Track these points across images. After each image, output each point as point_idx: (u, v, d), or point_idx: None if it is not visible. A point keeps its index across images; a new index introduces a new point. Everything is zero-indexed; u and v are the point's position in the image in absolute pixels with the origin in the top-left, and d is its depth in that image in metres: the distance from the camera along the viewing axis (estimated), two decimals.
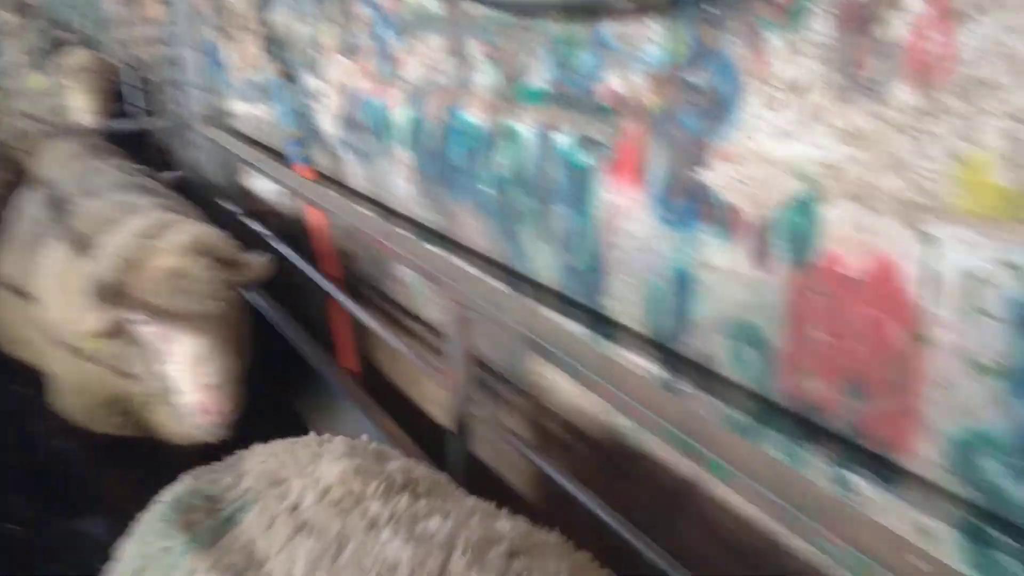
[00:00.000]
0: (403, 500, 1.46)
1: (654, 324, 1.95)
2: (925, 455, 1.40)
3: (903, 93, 1.34)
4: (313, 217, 3.34)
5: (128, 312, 2.24)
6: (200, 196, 4.26)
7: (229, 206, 4.09)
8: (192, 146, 4.36)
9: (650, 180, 1.87)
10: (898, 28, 1.34)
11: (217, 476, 1.66)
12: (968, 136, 1.26)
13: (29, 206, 3.15)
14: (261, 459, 1.68)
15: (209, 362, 2.24)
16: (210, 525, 1.50)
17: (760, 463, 1.28)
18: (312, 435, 1.77)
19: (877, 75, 1.37)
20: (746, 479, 1.21)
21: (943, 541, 1.39)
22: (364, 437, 1.81)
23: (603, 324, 2.11)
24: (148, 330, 2.26)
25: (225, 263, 2.38)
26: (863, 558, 1.02)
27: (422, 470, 1.65)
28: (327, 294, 3.23)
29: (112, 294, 2.23)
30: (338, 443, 1.71)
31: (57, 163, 3.51)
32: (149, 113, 4.70)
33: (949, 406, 1.35)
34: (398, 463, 1.63)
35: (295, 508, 1.47)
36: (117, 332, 2.28)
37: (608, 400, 1.53)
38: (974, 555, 1.35)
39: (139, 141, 4.62)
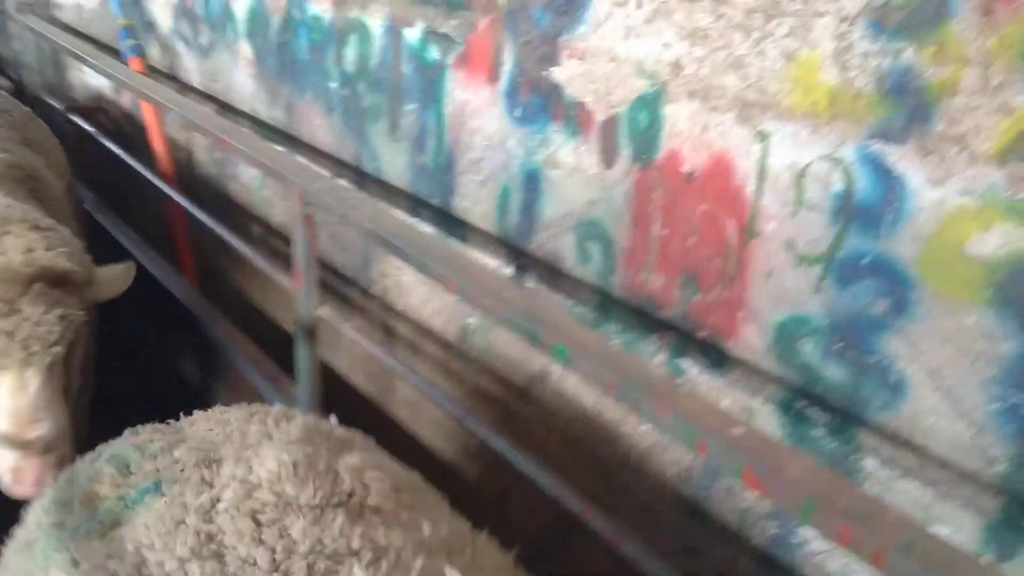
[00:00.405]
0: (335, 524, 1.18)
1: (503, 223, 1.96)
2: (751, 341, 1.50)
3: None
4: (147, 113, 3.14)
5: None
6: (23, 92, 3.92)
7: (54, 102, 3.78)
8: (12, 37, 3.97)
9: (501, 77, 1.86)
10: None
11: (155, 437, 1.41)
12: (801, 36, 1.32)
13: None
14: (209, 425, 1.43)
15: (31, 423, 1.76)
16: (109, 507, 1.27)
17: (600, 348, 1.32)
18: (278, 408, 1.51)
19: None
20: (587, 361, 1.26)
21: (764, 419, 1.50)
22: (332, 419, 1.54)
23: (453, 225, 2.11)
24: None
25: (70, 284, 1.86)
26: (690, 426, 1.08)
27: (381, 474, 1.32)
28: (166, 199, 3.07)
29: None
30: (298, 425, 1.43)
31: None
32: None
33: (774, 294, 1.44)
34: (355, 459, 1.33)
35: (211, 507, 1.22)
36: None
37: (457, 293, 1.54)
38: (789, 428, 1.46)
39: None
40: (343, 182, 2.40)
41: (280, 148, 2.60)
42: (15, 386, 1.74)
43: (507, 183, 1.92)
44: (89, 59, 3.16)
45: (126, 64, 3.13)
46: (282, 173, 2.12)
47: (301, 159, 2.51)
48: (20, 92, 3.97)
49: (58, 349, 1.77)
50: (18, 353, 1.72)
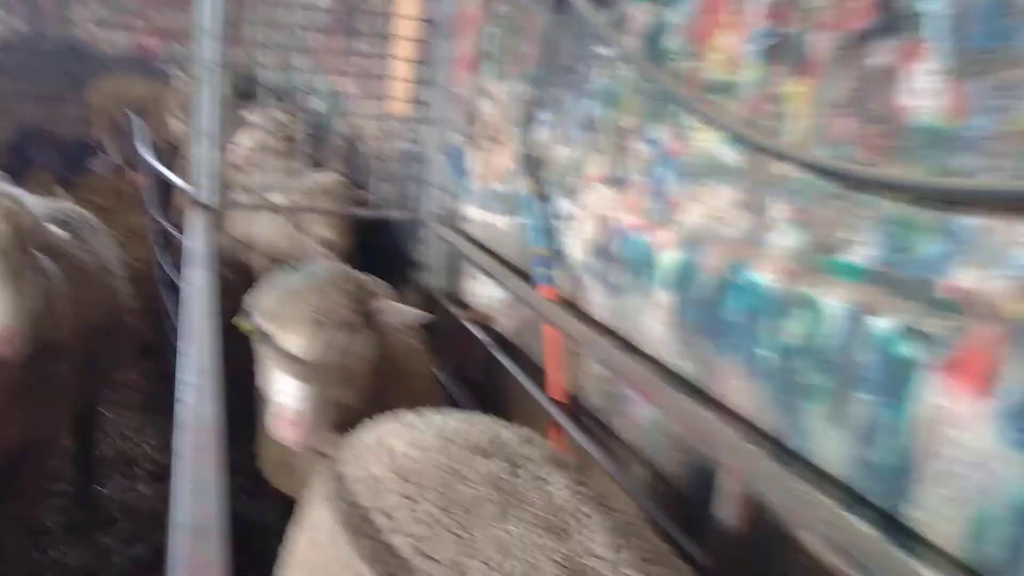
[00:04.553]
0: None
1: (977, 551, 1.73)
2: None
3: None
4: (548, 338, 3.30)
5: None
6: (424, 296, 4.34)
7: (452, 308, 4.14)
8: (422, 243, 4.46)
9: (998, 393, 1.69)
10: None
11: None
12: None
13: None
14: None
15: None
16: None
17: None
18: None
19: None
20: None
21: None
22: None
23: (897, 532, 1.91)
24: None
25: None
26: None
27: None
28: (548, 419, 3.16)
29: None
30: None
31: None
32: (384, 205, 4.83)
33: None
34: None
35: None
36: None
37: None
38: None
39: (368, 227, 4.77)
40: (772, 461, 2.28)
41: (691, 402, 2.58)
42: None
43: (987, 508, 1.70)
44: (501, 279, 3.43)
45: (534, 289, 3.35)
46: (719, 449, 2.08)
47: (720, 424, 2.44)
48: (419, 294, 4.41)
49: None
50: None
